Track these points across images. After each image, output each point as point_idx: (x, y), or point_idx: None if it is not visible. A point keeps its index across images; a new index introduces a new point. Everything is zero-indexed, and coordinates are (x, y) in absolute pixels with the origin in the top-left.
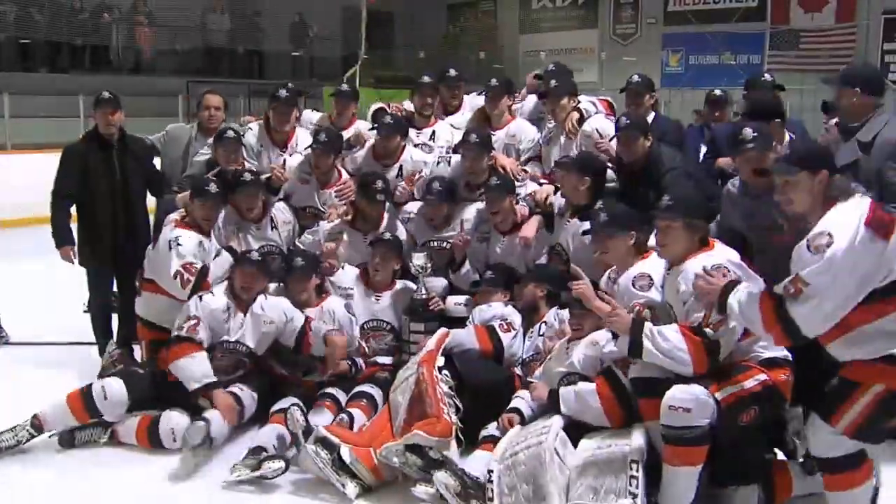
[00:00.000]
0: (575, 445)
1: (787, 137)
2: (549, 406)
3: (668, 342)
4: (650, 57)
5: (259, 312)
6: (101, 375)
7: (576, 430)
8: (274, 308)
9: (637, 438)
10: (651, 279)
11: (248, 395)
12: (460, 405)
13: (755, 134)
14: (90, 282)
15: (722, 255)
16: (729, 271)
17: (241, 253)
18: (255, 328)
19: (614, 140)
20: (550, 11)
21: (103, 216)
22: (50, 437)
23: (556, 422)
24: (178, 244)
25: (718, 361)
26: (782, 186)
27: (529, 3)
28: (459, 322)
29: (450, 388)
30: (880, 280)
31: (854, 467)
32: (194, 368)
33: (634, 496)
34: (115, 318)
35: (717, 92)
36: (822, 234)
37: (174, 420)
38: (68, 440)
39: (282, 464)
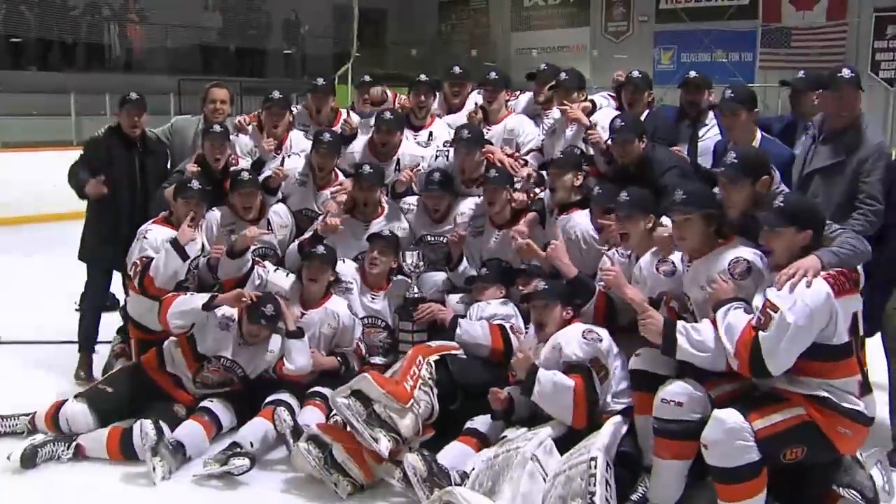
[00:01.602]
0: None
1: (757, 136)
2: (522, 389)
3: (701, 335)
4: (642, 54)
5: (263, 344)
6: (104, 371)
7: (567, 443)
8: (277, 339)
9: (601, 437)
10: (675, 265)
11: (220, 408)
12: (436, 404)
13: (735, 159)
14: (91, 277)
15: (743, 247)
16: (750, 263)
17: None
18: (255, 355)
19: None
20: (542, 9)
21: (120, 212)
22: (9, 457)
23: (545, 431)
24: (145, 237)
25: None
26: (767, 233)
27: (521, 0)
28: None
29: (430, 379)
30: (825, 335)
31: (754, 477)
32: (192, 301)
33: (592, 494)
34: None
35: (693, 74)
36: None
37: (147, 429)
38: (30, 458)
39: (246, 462)
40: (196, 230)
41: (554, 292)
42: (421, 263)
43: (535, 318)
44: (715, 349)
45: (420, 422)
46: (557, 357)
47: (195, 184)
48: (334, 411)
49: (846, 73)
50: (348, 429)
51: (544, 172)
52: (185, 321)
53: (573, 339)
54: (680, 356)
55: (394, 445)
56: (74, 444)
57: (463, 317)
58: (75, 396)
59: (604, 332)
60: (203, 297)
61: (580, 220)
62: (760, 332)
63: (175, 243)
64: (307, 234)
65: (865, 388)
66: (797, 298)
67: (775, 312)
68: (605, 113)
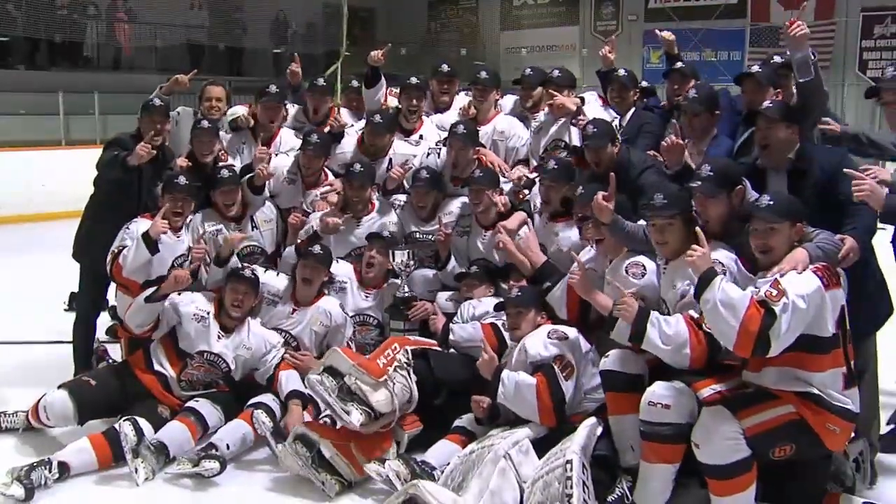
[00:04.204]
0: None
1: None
2: (488, 392)
3: (671, 328)
4: (631, 53)
5: (242, 335)
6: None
7: (546, 445)
8: (256, 336)
9: (576, 440)
10: (644, 268)
11: (207, 409)
12: (414, 390)
13: (710, 172)
14: (83, 281)
15: (719, 250)
16: (724, 266)
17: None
18: (235, 349)
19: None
20: (531, 8)
21: (118, 222)
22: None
23: (523, 431)
24: (127, 228)
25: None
26: (763, 232)
27: None
28: (448, 318)
29: (407, 365)
30: (815, 327)
31: (745, 472)
32: (139, 298)
33: (569, 497)
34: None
35: (679, 64)
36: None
37: (127, 430)
38: (28, 493)
39: (216, 465)
40: (184, 228)
41: (527, 299)
42: (411, 262)
43: (510, 324)
44: (680, 347)
45: (396, 401)
46: (524, 359)
47: (181, 179)
48: (322, 412)
49: (754, 69)
50: (324, 408)
51: (533, 175)
52: (140, 320)
53: (538, 339)
54: (645, 346)
55: (366, 419)
56: (57, 463)
57: (453, 321)
58: (58, 387)
59: (570, 330)
60: (147, 292)
61: (571, 234)
62: (776, 309)
63: (146, 236)
64: (290, 232)
65: (850, 381)
66: (794, 282)
67: (784, 292)
68: (593, 109)
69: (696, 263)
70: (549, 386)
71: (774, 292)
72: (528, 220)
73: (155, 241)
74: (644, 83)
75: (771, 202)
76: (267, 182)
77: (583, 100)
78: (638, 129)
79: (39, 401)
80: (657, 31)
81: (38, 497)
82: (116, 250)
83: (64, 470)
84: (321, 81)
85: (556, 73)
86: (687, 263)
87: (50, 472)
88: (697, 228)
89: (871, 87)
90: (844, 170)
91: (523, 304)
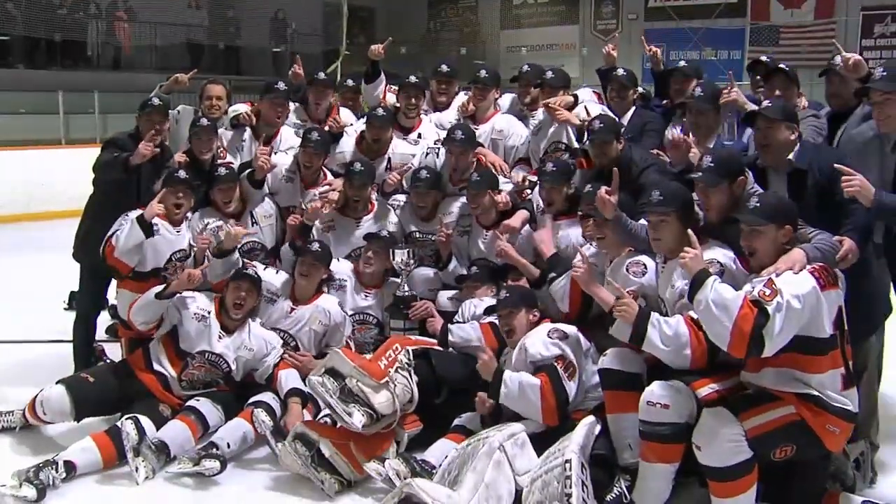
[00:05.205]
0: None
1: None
2: (489, 393)
3: (672, 329)
4: (631, 53)
5: (243, 336)
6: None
7: (543, 440)
8: (257, 337)
9: (574, 439)
10: (645, 266)
11: (208, 408)
12: (415, 390)
13: (711, 163)
14: (82, 280)
15: (716, 249)
16: (723, 265)
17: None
18: (236, 350)
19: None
20: (531, 7)
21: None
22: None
23: (519, 425)
24: (126, 215)
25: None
26: (748, 234)
27: None
28: (449, 317)
29: (408, 365)
30: (811, 328)
31: (746, 473)
32: (148, 294)
33: (568, 496)
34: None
35: (682, 63)
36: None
37: (129, 429)
38: (41, 493)
39: (217, 464)
40: (184, 223)
41: (516, 298)
42: (411, 262)
43: (503, 325)
44: (680, 348)
45: (398, 403)
46: (524, 358)
47: (182, 173)
48: (322, 411)
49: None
50: (326, 409)
51: (534, 177)
52: (146, 317)
53: (538, 339)
54: (646, 347)
55: (367, 420)
56: (63, 462)
57: (452, 322)
58: (56, 382)
59: (570, 329)
60: (157, 289)
61: (572, 232)
62: (769, 308)
63: (140, 218)
64: (288, 232)
65: (848, 382)
66: (789, 281)
67: (778, 291)
68: (589, 109)
69: (688, 265)
70: (553, 387)
71: (768, 292)
72: (532, 216)
73: (149, 223)
74: (640, 89)
75: (757, 204)
76: (266, 179)
77: (576, 97)
78: (641, 128)
79: (36, 396)
80: (645, 47)
81: (46, 497)
82: (110, 234)
83: (70, 469)
84: (321, 75)
85: (549, 73)
86: (680, 265)
87: (57, 471)
88: (690, 231)
89: (861, 87)
90: (835, 165)
91: (513, 304)
